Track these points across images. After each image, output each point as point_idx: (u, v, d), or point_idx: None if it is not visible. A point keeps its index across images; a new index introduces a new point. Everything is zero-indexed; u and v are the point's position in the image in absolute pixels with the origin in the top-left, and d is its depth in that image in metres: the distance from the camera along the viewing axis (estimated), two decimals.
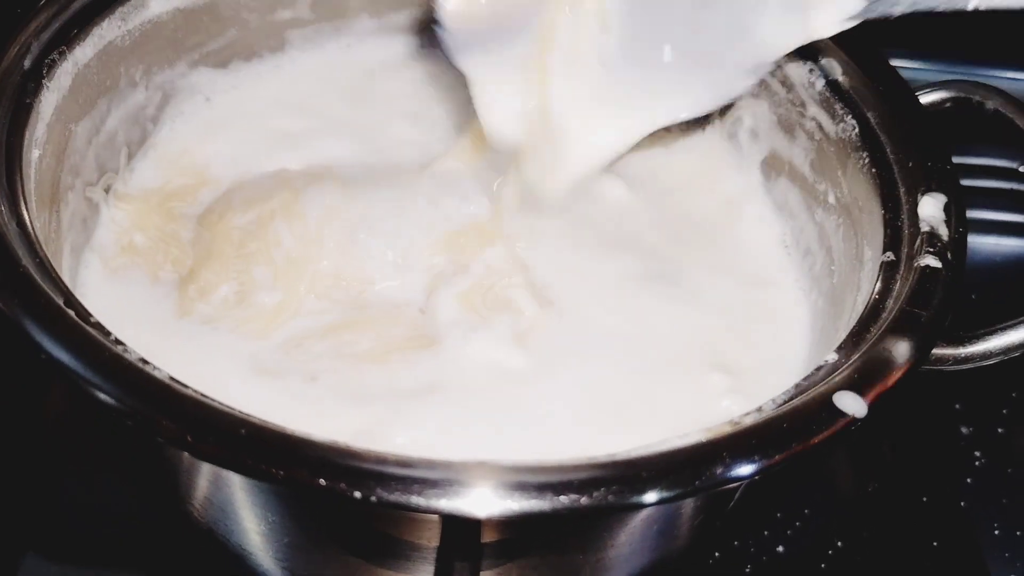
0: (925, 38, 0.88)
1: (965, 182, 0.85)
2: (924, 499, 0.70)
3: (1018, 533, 0.69)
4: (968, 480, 0.71)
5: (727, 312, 0.61)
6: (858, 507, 0.69)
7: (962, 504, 0.70)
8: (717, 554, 0.65)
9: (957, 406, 0.75)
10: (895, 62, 0.65)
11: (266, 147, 0.67)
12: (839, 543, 0.67)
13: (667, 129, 0.63)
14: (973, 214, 0.86)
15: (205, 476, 0.48)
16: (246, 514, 0.49)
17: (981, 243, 0.87)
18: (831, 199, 0.62)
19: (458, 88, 0.62)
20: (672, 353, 0.58)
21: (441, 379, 0.55)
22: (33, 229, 0.48)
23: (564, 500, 0.39)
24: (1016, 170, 0.89)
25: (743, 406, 0.53)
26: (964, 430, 0.74)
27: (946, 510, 0.69)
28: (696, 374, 0.57)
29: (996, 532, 0.69)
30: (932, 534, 0.68)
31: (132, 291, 0.59)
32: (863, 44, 0.63)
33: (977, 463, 0.73)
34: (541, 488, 0.39)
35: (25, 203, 0.49)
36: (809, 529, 0.67)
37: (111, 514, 0.64)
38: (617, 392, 0.56)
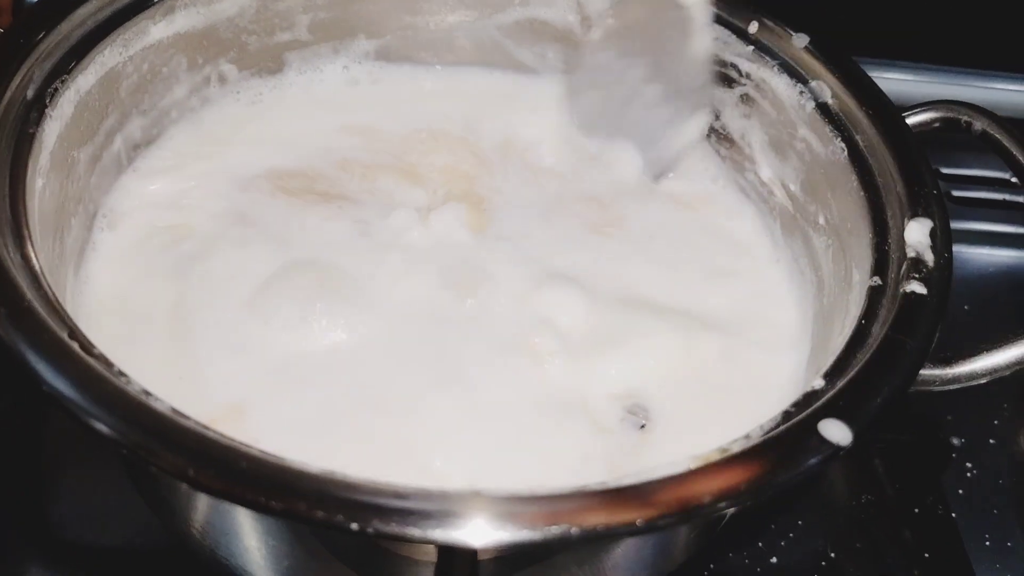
0: (914, 50, 0.89)
1: (957, 193, 0.87)
2: (916, 510, 0.70)
3: (1009, 544, 0.69)
4: (960, 491, 0.72)
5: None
6: (850, 518, 0.70)
7: (953, 515, 0.70)
8: (712, 565, 0.66)
9: (948, 417, 0.76)
10: (884, 74, 0.65)
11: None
12: (832, 554, 0.67)
13: None
14: (966, 225, 0.88)
15: (205, 501, 0.49)
16: (247, 539, 0.50)
17: (974, 254, 0.87)
18: (821, 220, 0.63)
19: None
20: None
21: None
22: (37, 260, 0.49)
23: (555, 530, 0.40)
24: (1008, 180, 0.90)
25: None
26: (955, 441, 0.75)
27: (937, 521, 0.70)
28: None
29: (987, 543, 0.69)
30: (924, 545, 0.68)
31: None
32: (852, 66, 0.64)
33: (968, 474, 0.73)
34: (534, 518, 0.40)
35: (29, 234, 0.50)
36: (802, 540, 0.68)
37: (103, 524, 0.63)
38: None
